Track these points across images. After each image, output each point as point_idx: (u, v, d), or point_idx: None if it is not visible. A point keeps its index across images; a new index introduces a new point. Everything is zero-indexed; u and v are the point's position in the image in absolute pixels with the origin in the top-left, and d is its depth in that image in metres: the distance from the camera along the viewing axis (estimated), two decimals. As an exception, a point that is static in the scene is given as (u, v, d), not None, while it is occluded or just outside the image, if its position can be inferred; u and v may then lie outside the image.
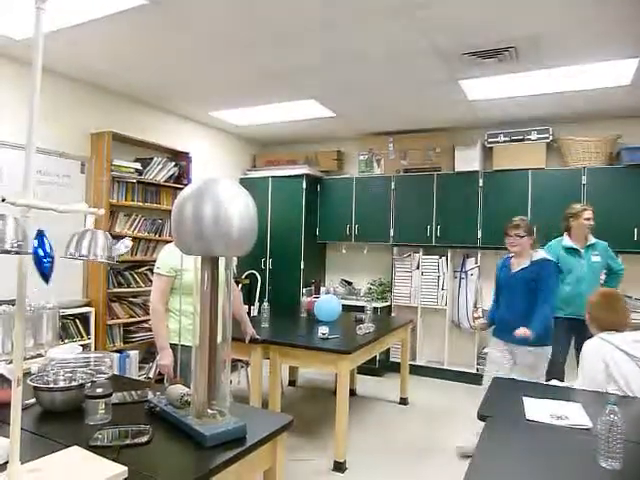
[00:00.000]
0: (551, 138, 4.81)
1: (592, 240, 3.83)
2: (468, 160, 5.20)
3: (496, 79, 3.78)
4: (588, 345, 2.41)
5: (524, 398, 2.13)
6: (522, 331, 2.97)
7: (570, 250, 3.81)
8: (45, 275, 1.16)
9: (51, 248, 1.18)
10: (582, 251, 3.79)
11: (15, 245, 1.07)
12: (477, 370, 5.07)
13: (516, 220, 3.29)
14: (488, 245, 5.03)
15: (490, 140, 5.08)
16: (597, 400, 2.12)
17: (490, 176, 5.09)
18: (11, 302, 2.64)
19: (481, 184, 5.09)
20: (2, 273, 2.85)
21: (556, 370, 3.80)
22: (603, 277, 3.92)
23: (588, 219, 3.77)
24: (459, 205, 5.19)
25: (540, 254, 3.25)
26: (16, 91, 3.62)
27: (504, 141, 5.00)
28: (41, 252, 1.14)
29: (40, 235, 1.16)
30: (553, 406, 2.04)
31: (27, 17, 2.84)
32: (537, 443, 1.68)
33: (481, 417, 1.96)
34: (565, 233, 3.90)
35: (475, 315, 4.05)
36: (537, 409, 1.99)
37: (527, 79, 3.75)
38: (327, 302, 4.21)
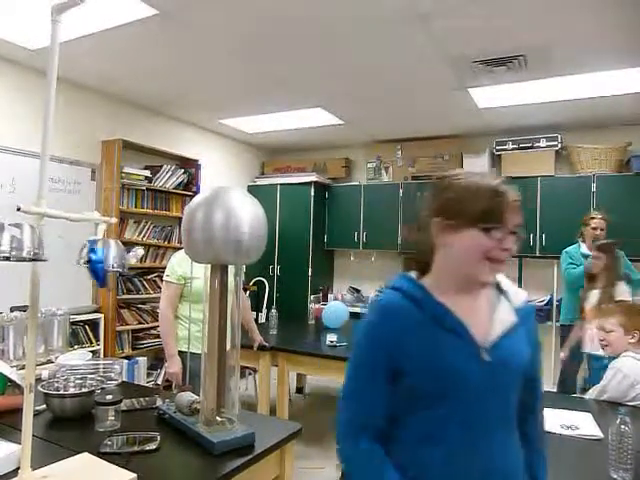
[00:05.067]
0: (560, 145, 4.79)
1: None
2: (476, 167, 5.18)
3: (506, 87, 3.78)
4: (625, 363, 2.20)
5: (534, 407, 2.11)
6: None
7: (586, 258, 3.78)
8: (101, 279, 1.32)
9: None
10: None
11: (31, 253, 1.09)
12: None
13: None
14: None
15: (498, 148, 5.06)
16: (608, 410, 2.10)
17: (499, 183, 5.06)
18: (22, 308, 2.68)
19: (490, 191, 5.07)
20: (12, 280, 2.90)
21: (569, 380, 3.76)
22: None
23: (595, 228, 3.75)
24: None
25: (519, 291, 1.17)
26: (28, 99, 3.66)
27: (512, 148, 4.99)
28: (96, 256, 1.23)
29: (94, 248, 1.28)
30: (563, 416, 2.01)
31: (42, 27, 2.89)
32: (547, 453, 1.66)
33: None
34: (579, 240, 3.89)
35: None
36: (547, 419, 1.97)
37: (537, 87, 3.75)
38: (335, 308, 4.25)
